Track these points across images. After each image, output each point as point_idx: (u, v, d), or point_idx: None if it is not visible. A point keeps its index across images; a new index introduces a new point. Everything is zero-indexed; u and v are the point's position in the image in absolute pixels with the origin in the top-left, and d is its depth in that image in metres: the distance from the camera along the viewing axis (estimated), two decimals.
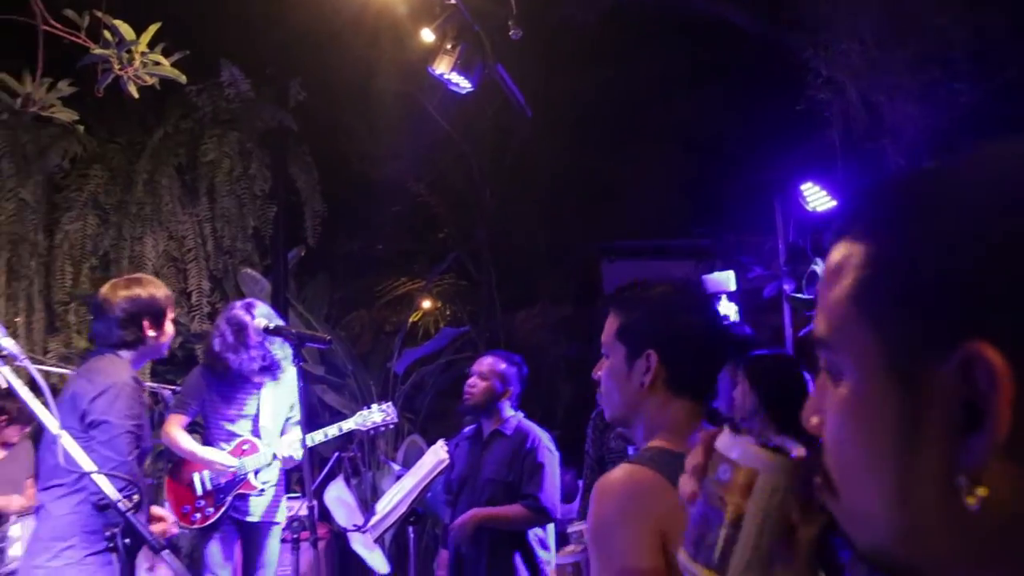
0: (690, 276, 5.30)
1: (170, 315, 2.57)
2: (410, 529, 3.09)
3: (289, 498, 4.71)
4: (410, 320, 5.41)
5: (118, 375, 2.34)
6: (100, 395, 2.23)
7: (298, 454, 3.57)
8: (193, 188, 5.30)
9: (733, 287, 5.03)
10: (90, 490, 2.21)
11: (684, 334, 1.27)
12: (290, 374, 3.83)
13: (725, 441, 0.55)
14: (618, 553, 1.13)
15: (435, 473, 2.96)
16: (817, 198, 4.53)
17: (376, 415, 3.57)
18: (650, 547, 1.11)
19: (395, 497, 2.98)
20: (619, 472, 1.19)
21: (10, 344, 1.74)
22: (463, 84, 3.79)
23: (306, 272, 5.47)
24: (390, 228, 5.86)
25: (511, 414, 3.13)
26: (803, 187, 4.55)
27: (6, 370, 1.71)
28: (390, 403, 3.64)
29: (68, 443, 1.67)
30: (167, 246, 5.13)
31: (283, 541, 4.54)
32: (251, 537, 3.70)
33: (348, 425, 3.56)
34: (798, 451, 0.53)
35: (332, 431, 3.54)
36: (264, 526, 3.71)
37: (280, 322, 3.20)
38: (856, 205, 0.48)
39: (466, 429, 3.25)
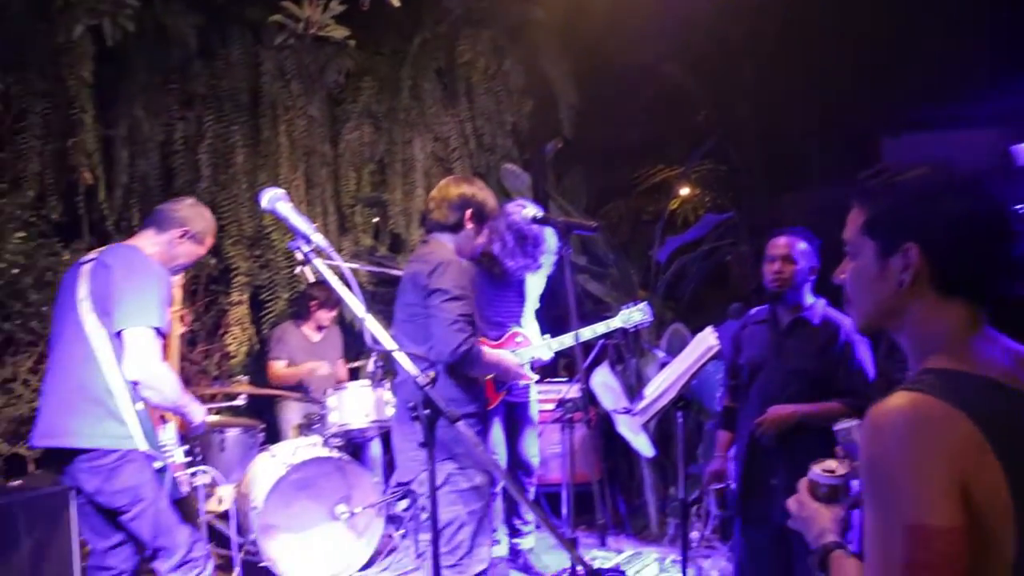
0: (996, 145, 4.55)
1: (489, 225, 2.83)
2: (678, 414, 3.09)
3: (553, 381, 4.99)
4: (669, 208, 5.28)
5: (446, 254, 2.66)
6: (435, 269, 2.57)
7: (547, 354, 3.75)
8: (452, 90, 5.52)
9: None
10: (444, 363, 2.56)
11: (952, 221, 1.06)
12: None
13: None
14: (905, 505, 0.95)
15: (704, 359, 2.91)
16: None
17: (636, 315, 3.64)
18: (948, 499, 0.93)
19: (664, 382, 2.99)
20: (898, 401, 1.00)
21: (320, 239, 1.95)
22: None
23: (563, 164, 5.52)
24: (645, 114, 5.68)
25: (812, 300, 2.91)
26: None
27: (318, 262, 1.94)
28: (647, 303, 3.66)
29: (372, 325, 1.86)
30: (433, 147, 5.45)
31: (556, 421, 4.85)
32: (516, 416, 3.99)
33: (615, 323, 3.64)
34: None
35: (600, 328, 3.63)
36: (525, 406, 4.00)
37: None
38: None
39: (752, 311, 3.09)
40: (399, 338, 2.65)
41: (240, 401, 4.75)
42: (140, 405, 2.54)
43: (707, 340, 2.93)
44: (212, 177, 4.97)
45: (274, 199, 2.00)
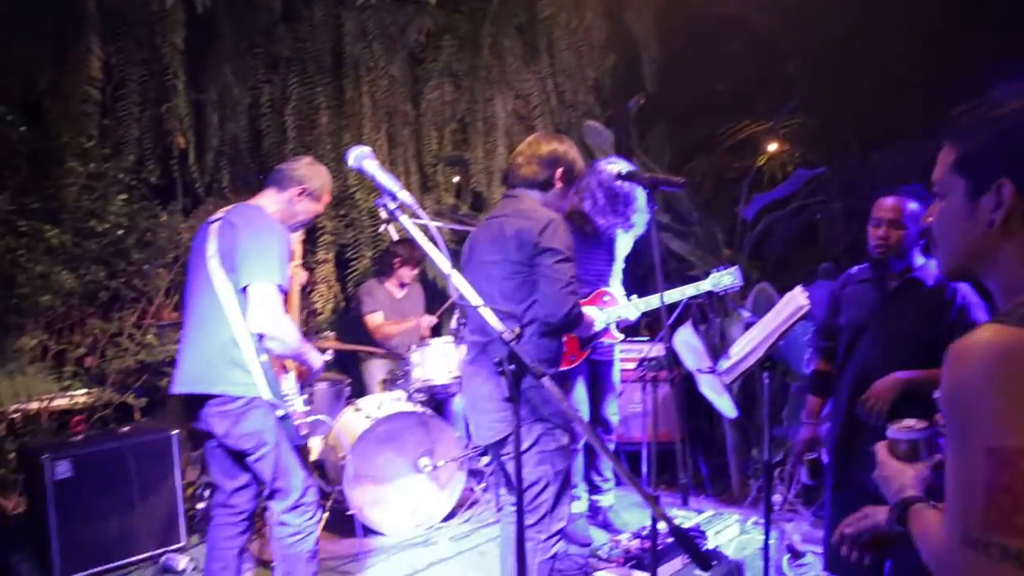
0: None
1: (579, 183, 2.81)
2: (764, 375, 3.02)
3: (634, 341, 4.96)
4: (756, 164, 5.10)
5: (548, 212, 2.64)
6: (546, 227, 2.54)
7: (634, 315, 3.72)
8: (533, 46, 5.45)
9: None
10: (540, 321, 2.57)
11: None
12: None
13: None
14: (986, 428, 0.94)
15: (794, 319, 2.82)
16: None
17: (727, 278, 3.56)
18: None
19: (750, 342, 2.92)
20: (982, 333, 0.98)
21: (406, 196, 1.98)
22: None
23: (646, 120, 5.40)
24: (731, 68, 5.47)
25: (922, 261, 2.74)
26: None
27: (404, 218, 1.96)
28: (737, 267, 3.57)
29: (458, 280, 1.87)
30: (514, 105, 5.41)
31: (637, 380, 4.83)
32: (599, 374, 3.99)
33: (704, 286, 3.58)
34: None
35: (689, 290, 3.57)
36: (608, 364, 3.98)
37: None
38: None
39: (854, 270, 2.92)
40: (486, 293, 2.64)
41: (327, 356, 4.91)
42: (264, 356, 2.69)
43: (797, 300, 2.83)
44: (298, 139, 5.08)
45: (360, 157, 2.02)
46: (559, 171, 2.71)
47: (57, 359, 4.45)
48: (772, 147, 5.13)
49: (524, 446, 2.57)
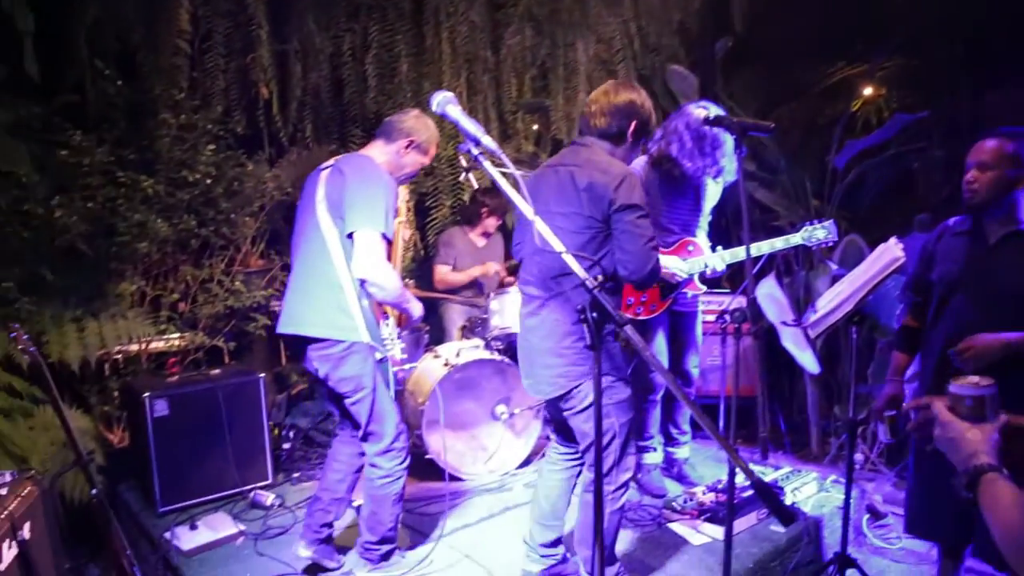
0: None
1: (646, 134, 2.71)
2: (852, 330, 2.92)
3: (714, 292, 4.85)
4: (850, 110, 4.84)
5: (622, 165, 2.57)
6: (622, 183, 2.47)
7: (720, 266, 3.63)
8: None
9: None
10: (604, 274, 2.53)
11: None
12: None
13: None
14: None
15: (887, 272, 2.69)
16: None
17: (820, 232, 3.42)
18: None
19: (839, 295, 2.81)
20: None
21: (489, 142, 1.96)
22: None
23: (733, 64, 5.18)
24: (824, 7, 5.16)
25: None
26: None
27: (487, 164, 1.95)
28: (832, 221, 3.41)
29: (541, 227, 1.86)
30: (596, 50, 5.27)
31: (716, 333, 4.74)
32: (681, 326, 3.92)
33: (795, 240, 3.45)
34: None
35: (778, 243, 3.45)
36: (690, 316, 3.91)
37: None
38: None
39: (951, 221, 2.75)
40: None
41: None
42: (365, 301, 2.78)
43: (892, 252, 2.71)
44: (378, 87, 5.09)
45: (444, 102, 2.01)
46: (633, 124, 2.63)
47: (153, 304, 4.66)
48: (868, 91, 4.84)
49: (589, 400, 2.56)
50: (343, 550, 3.21)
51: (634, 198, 2.47)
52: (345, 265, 2.75)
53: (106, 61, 4.21)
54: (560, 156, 2.78)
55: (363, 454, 3.06)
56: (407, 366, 2.99)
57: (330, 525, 3.11)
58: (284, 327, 2.89)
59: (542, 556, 2.94)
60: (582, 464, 2.98)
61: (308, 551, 3.07)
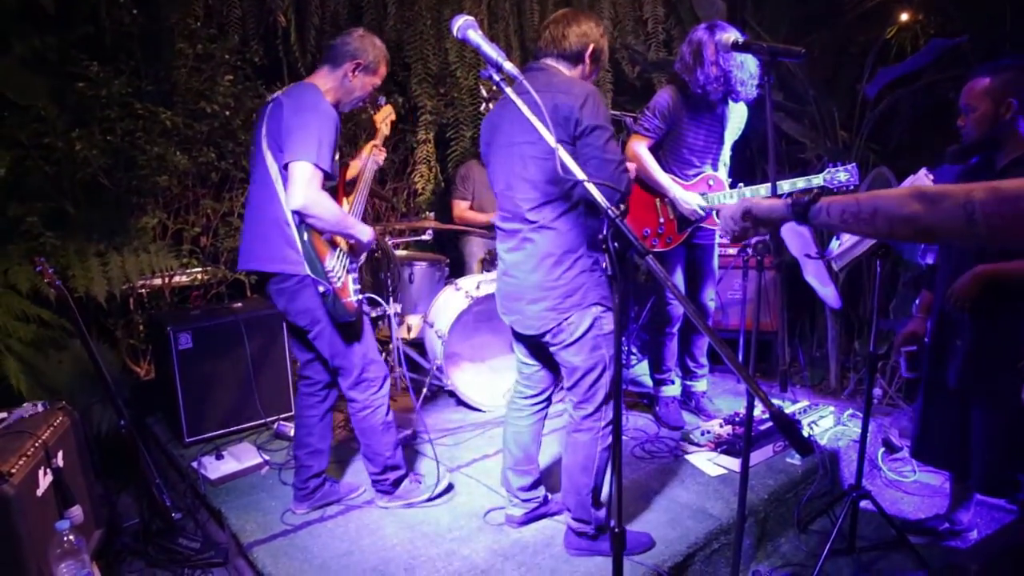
0: None
1: (601, 61, 2.64)
2: (876, 263, 2.87)
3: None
4: (885, 36, 4.64)
5: (585, 84, 2.47)
6: (586, 101, 2.37)
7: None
8: None
9: None
10: (586, 201, 2.47)
11: None
12: (741, 107, 3.71)
13: None
14: None
15: None
16: None
17: (842, 175, 3.36)
18: None
19: None
20: None
21: (511, 68, 1.91)
22: None
23: None
24: None
25: None
26: None
27: (509, 90, 1.90)
28: (854, 165, 3.35)
29: (563, 155, 1.82)
30: None
31: (737, 267, 4.71)
32: (697, 258, 3.89)
33: (816, 181, 3.38)
34: None
35: (799, 183, 3.39)
36: (707, 249, 3.88)
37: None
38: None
39: (973, 159, 2.73)
40: (523, 176, 2.52)
41: (427, 236, 4.98)
42: (307, 234, 2.70)
43: (921, 183, 2.64)
44: (398, 15, 4.97)
45: (465, 27, 1.95)
46: (590, 47, 2.55)
47: (175, 238, 4.69)
48: (904, 16, 4.64)
49: (579, 332, 2.52)
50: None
51: (599, 118, 2.37)
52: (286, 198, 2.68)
53: None
54: (517, 84, 2.71)
55: (323, 401, 3.09)
56: (358, 296, 2.91)
57: (318, 475, 3.13)
58: (242, 264, 2.84)
59: (523, 500, 2.94)
60: (548, 405, 2.97)
61: (302, 508, 3.12)
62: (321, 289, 2.74)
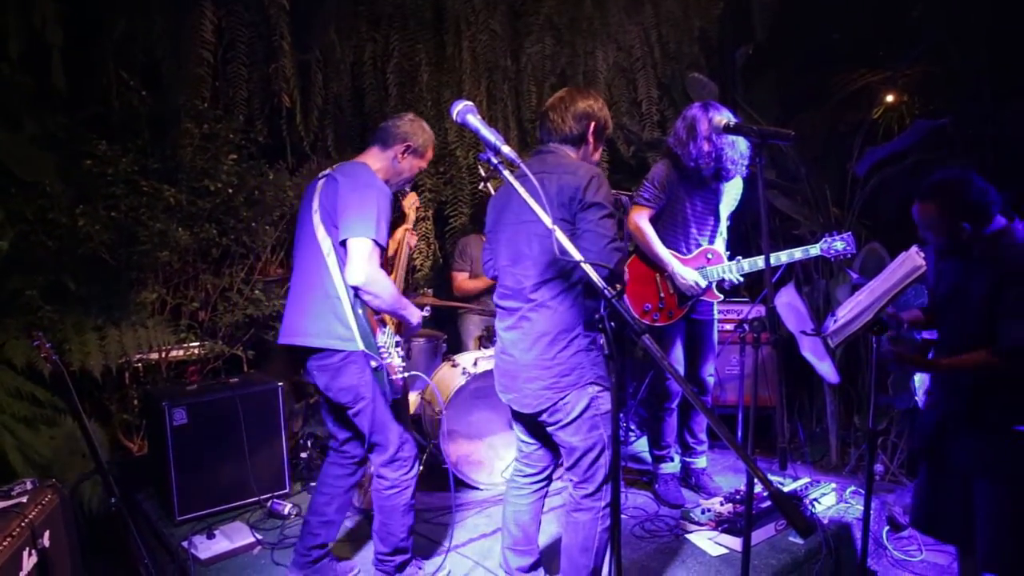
0: None
1: (604, 135, 2.71)
2: (873, 340, 2.88)
3: (733, 301, 4.82)
4: (872, 117, 4.78)
5: (591, 167, 2.54)
6: (590, 182, 2.44)
7: (737, 277, 3.62)
8: None
9: None
10: (584, 281, 2.49)
11: None
12: (736, 182, 3.79)
13: None
14: None
15: (908, 281, 2.66)
16: None
17: (839, 244, 3.44)
18: None
19: (860, 304, 2.78)
20: None
21: (509, 151, 1.96)
22: None
23: (754, 71, 5.15)
24: (847, 13, 5.13)
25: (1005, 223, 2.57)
26: None
27: (507, 173, 1.95)
28: (850, 234, 3.42)
29: (560, 236, 1.85)
30: (616, 57, 5.27)
31: (734, 342, 4.71)
32: (697, 333, 3.91)
33: (813, 251, 3.45)
34: None
35: (797, 254, 3.44)
36: (707, 324, 3.90)
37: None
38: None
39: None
40: (529, 255, 2.56)
41: (425, 313, 4.99)
42: (361, 310, 2.75)
43: (913, 260, 2.68)
44: (399, 96, 5.12)
45: (464, 112, 2.02)
46: (592, 125, 2.63)
47: (174, 313, 4.70)
48: (889, 98, 4.79)
49: (576, 412, 2.52)
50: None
51: (599, 197, 2.43)
52: (340, 274, 2.74)
53: (131, 72, 4.27)
54: (527, 164, 2.77)
55: (353, 475, 3.07)
56: (406, 374, 2.94)
57: (321, 547, 3.08)
58: (284, 338, 2.88)
59: None
60: (548, 484, 2.93)
61: (297, 575, 3.07)
62: (374, 364, 2.77)
